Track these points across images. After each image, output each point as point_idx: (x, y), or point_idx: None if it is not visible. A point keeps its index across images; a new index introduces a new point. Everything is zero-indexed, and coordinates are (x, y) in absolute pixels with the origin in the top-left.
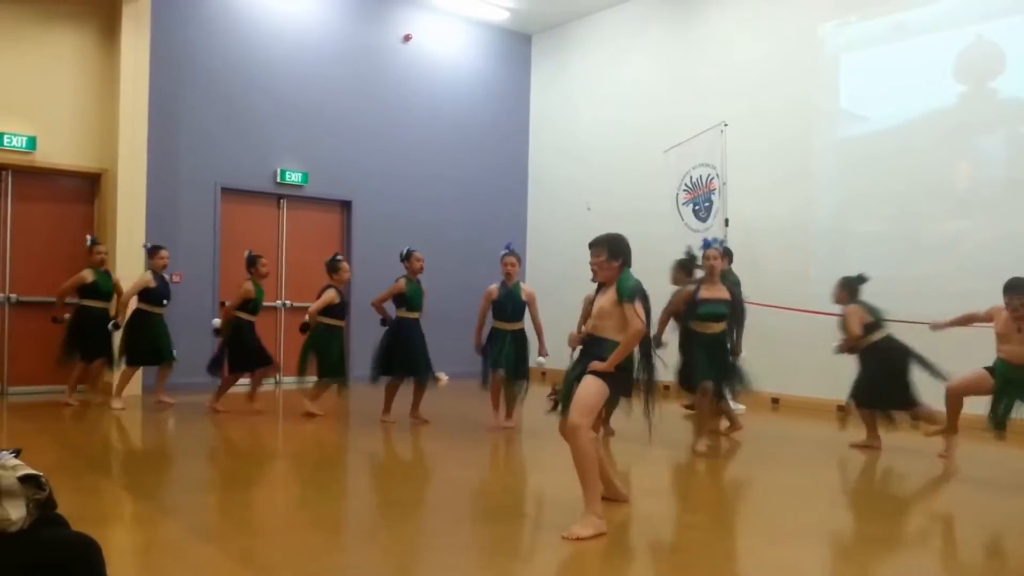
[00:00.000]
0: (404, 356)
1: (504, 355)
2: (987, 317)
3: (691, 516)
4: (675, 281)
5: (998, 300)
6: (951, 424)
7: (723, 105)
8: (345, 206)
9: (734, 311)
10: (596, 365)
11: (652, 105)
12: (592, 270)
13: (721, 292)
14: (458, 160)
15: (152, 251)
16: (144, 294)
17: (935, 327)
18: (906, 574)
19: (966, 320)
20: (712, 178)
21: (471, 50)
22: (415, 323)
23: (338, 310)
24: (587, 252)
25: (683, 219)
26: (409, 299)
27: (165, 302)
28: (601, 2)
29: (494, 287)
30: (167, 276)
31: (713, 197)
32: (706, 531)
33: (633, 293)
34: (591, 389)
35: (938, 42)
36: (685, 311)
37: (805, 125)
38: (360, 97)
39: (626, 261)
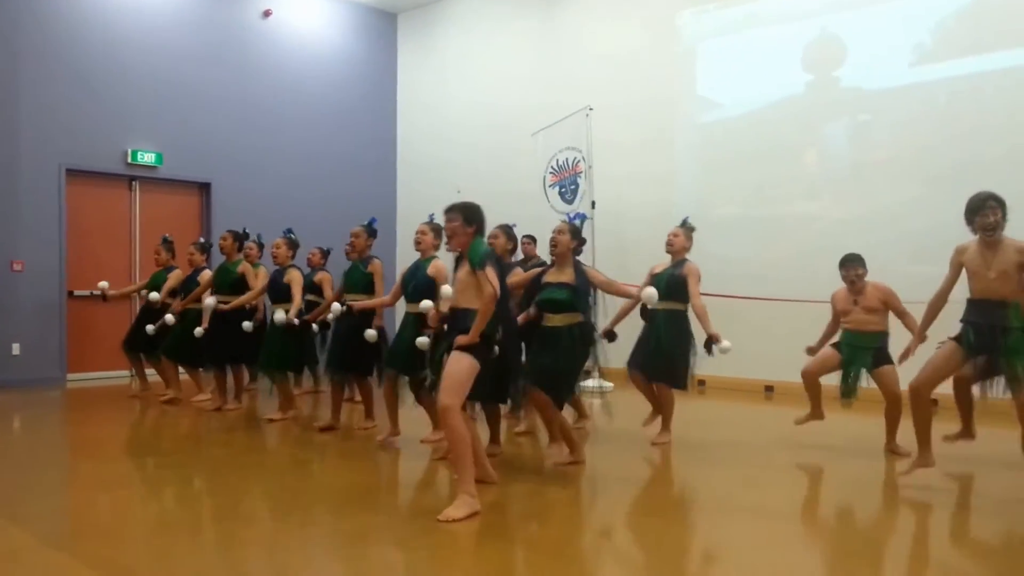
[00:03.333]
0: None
1: (398, 349)
2: (836, 309)
3: (561, 491)
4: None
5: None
6: (816, 408)
7: (589, 89)
8: (204, 188)
9: (579, 299)
10: (460, 339)
11: (520, 88)
12: (447, 236)
13: (565, 276)
14: (323, 140)
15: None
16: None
17: (811, 351)
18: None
19: (832, 330)
20: (578, 161)
21: (334, 27)
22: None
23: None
24: None
25: (549, 201)
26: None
27: None
28: None
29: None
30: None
31: (579, 180)
32: (576, 506)
33: (484, 259)
34: (459, 366)
35: (787, 33)
36: (525, 297)
37: (665, 111)
38: (218, 73)
39: (480, 229)
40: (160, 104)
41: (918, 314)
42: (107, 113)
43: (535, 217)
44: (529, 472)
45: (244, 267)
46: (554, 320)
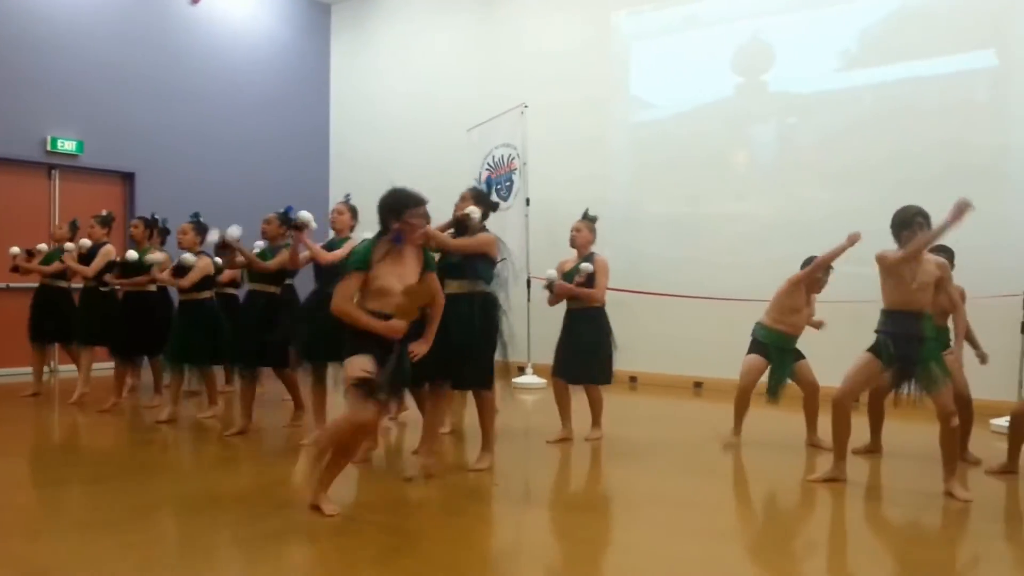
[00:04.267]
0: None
1: (312, 337)
2: (783, 300)
3: (488, 488)
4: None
5: (774, 276)
6: (738, 427)
7: (524, 86)
8: (127, 178)
9: (480, 266)
10: (421, 348)
11: (456, 83)
12: (414, 230)
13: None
14: (253, 130)
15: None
16: None
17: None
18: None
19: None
20: (513, 158)
21: (265, 16)
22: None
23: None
24: None
25: None
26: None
27: None
28: None
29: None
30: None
31: (514, 177)
32: (502, 502)
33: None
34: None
35: (718, 36)
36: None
37: (599, 110)
38: (144, 60)
39: None
40: (82, 89)
41: (838, 309)
42: (25, 97)
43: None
44: (453, 468)
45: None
46: (452, 287)
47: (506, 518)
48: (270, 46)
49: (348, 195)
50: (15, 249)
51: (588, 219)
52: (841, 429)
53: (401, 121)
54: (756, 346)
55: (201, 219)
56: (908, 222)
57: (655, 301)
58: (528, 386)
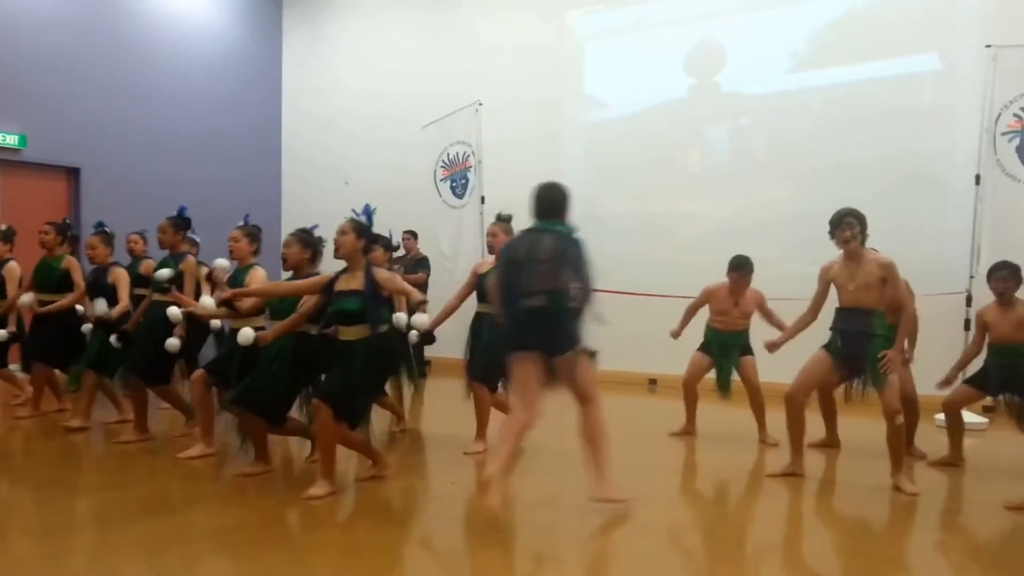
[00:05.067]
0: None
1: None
2: (704, 299)
3: (446, 487)
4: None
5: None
6: (690, 422)
7: (479, 84)
8: (73, 173)
9: (371, 310)
10: None
11: (411, 80)
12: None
13: (355, 282)
14: (203, 126)
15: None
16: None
17: (675, 335)
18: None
19: (690, 315)
20: (468, 156)
21: (216, 9)
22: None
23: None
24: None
25: (441, 196)
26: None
27: None
28: None
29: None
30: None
31: (469, 175)
32: (445, 502)
33: None
34: None
35: (672, 37)
36: (316, 309)
37: (553, 108)
38: (90, 51)
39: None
40: (25, 81)
41: (787, 307)
42: None
43: (426, 212)
44: (406, 469)
45: (68, 262)
46: (347, 334)
47: (460, 515)
48: (221, 40)
49: (247, 216)
50: None
51: (503, 220)
52: (794, 424)
53: (355, 118)
54: (702, 343)
55: (106, 229)
56: (839, 223)
57: (609, 299)
58: None
